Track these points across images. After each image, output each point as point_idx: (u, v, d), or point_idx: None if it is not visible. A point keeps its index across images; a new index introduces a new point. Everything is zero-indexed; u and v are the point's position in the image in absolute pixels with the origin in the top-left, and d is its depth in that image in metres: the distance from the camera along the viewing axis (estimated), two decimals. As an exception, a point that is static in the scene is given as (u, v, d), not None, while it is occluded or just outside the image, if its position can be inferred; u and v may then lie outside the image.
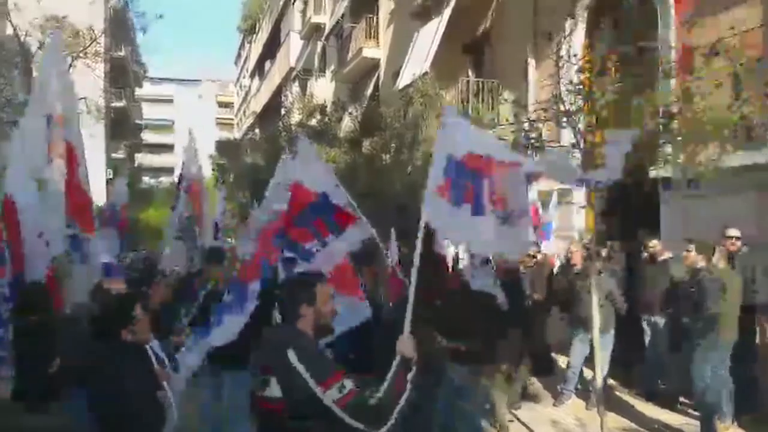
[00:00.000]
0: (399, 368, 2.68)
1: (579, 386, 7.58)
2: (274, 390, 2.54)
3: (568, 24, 8.17)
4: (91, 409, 3.10)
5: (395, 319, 4.57)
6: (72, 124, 5.19)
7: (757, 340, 6.69)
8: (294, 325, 2.71)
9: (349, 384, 2.51)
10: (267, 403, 2.58)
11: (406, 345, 2.76)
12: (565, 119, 5.68)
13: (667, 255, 7.18)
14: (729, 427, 6.16)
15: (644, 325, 7.48)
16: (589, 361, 6.88)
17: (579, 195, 10.51)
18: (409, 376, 2.68)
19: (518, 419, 6.91)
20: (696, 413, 6.30)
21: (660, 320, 7.22)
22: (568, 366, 7.42)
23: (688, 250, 5.98)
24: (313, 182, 4.59)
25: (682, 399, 7.05)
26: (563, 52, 5.89)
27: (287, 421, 2.53)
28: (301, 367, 2.49)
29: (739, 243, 6.49)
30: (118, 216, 8.53)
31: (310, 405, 2.47)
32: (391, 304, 5.26)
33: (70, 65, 21.17)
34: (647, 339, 7.48)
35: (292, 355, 2.51)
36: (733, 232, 6.53)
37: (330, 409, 2.45)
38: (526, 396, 7.61)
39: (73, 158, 5.03)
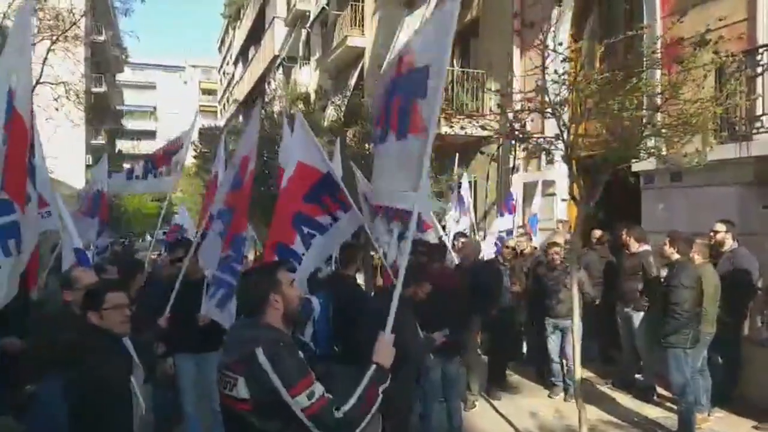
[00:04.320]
0: (372, 379, 2.50)
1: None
2: (241, 390, 2.36)
3: (554, 12, 8.10)
4: (65, 397, 3.00)
5: (378, 309, 4.55)
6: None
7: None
8: (261, 318, 2.55)
9: (318, 390, 2.36)
10: (233, 402, 2.42)
11: (384, 353, 2.59)
12: (549, 110, 5.61)
13: (643, 247, 7.18)
14: (707, 419, 6.20)
15: (618, 317, 7.53)
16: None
17: (562, 186, 10.52)
18: (382, 387, 2.51)
19: (497, 411, 6.91)
20: (673, 406, 6.33)
21: (633, 312, 7.24)
22: (550, 360, 7.44)
23: (665, 243, 5.98)
24: (316, 161, 4.71)
25: (660, 391, 7.09)
26: (549, 42, 5.81)
27: (254, 421, 2.38)
28: (269, 368, 2.33)
29: (720, 236, 6.50)
30: (98, 203, 8.33)
31: (277, 408, 2.33)
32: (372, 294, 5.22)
33: (49, 49, 20.82)
34: (621, 330, 7.53)
35: (260, 354, 2.35)
36: (717, 227, 6.55)
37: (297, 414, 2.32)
38: (506, 387, 7.63)
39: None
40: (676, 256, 5.85)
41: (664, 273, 6.44)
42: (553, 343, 7.29)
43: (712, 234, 6.52)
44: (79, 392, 2.93)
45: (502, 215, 10.17)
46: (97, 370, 2.93)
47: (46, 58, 20.69)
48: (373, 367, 2.54)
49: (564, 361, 7.26)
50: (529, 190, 10.95)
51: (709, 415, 6.26)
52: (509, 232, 9.62)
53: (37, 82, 20.43)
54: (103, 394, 2.90)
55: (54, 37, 20.98)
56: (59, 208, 6.12)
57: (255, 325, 2.54)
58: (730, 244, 6.54)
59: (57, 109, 20.94)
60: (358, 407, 2.41)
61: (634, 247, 7.19)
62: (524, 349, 8.81)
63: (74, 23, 21.83)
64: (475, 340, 7.11)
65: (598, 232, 8.65)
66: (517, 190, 11.13)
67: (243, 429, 2.43)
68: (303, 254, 4.62)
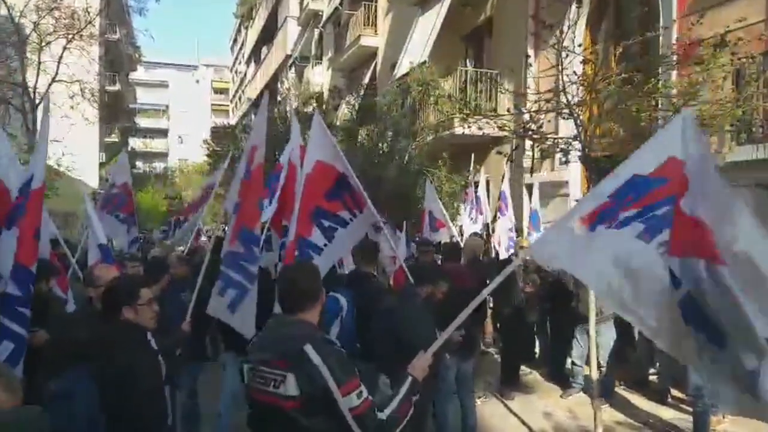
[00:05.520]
0: (409, 390, 2.56)
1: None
2: (290, 387, 2.35)
3: (572, 12, 8.07)
4: (100, 388, 2.98)
5: (390, 309, 4.57)
6: None
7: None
8: (302, 316, 2.54)
9: (365, 391, 2.39)
10: (277, 400, 2.40)
11: (420, 368, 2.66)
12: (566, 111, 5.62)
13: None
14: (722, 421, 6.17)
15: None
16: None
17: (575, 187, 10.51)
18: (414, 399, 2.57)
19: (511, 410, 6.91)
20: (688, 408, 6.31)
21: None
22: (572, 362, 7.42)
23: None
24: (335, 160, 4.77)
25: (675, 393, 7.06)
26: (566, 42, 5.81)
27: (299, 418, 2.37)
28: (320, 364, 2.33)
29: None
30: (125, 199, 8.39)
31: (326, 406, 2.34)
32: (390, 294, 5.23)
33: (65, 47, 21.00)
34: (636, 331, 7.49)
35: (311, 351, 2.34)
36: None
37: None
38: (519, 387, 7.63)
39: None
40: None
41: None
42: (578, 346, 7.25)
43: None
44: (115, 386, 2.92)
45: (503, 215, 10.24)
46: (132, 364, 2.94)
47: (61, 57, 20.87)
48: (410, 379, 2.60)
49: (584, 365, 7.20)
50: (543, 190, 10.92)
51: (723, 416, 6.23)
52: (510, 230, 9.85)
53: (53, 80, 20.64)
54: (138, 389, 2.92)
55: (70, 36, 21.16)
56: (86, 205, 6.24)
57: (297, 323, 2.53)
58: None
59: (72, 107, 21.11)
60: (397, 413, 2.47)
61: None
62: (537, 349, 8.80)
63: (89, 22, 22.00)
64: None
65: None
66: (505, 190, 11.05)
67: (285, 427, 2.41)
68: (325, 245, 4.64)
